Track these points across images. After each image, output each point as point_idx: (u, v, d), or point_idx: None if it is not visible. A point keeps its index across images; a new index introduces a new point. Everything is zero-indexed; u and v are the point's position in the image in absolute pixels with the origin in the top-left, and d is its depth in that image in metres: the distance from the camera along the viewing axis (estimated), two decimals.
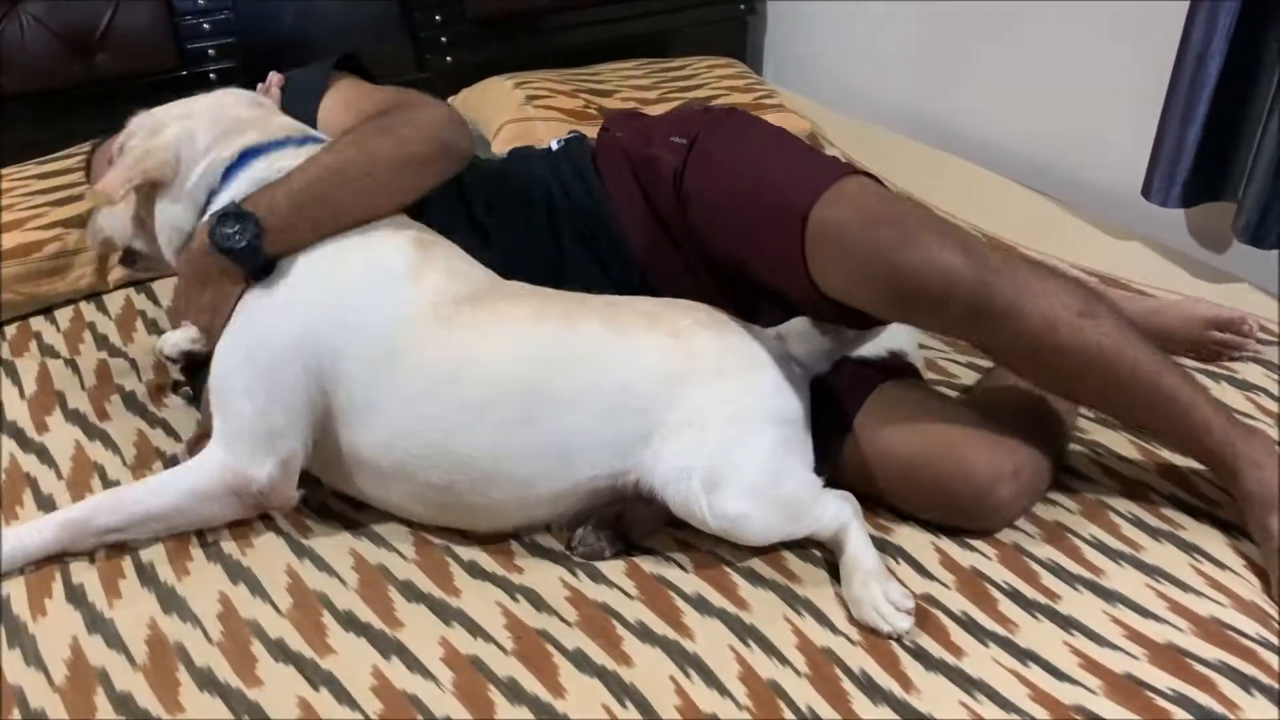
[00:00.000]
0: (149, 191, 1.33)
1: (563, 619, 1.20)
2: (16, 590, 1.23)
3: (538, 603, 1.23)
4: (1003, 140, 2.39)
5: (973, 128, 2.45)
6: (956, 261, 1.18)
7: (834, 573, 1.26)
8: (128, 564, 1.27)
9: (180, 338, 1.30)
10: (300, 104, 1.45)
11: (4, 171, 1.98)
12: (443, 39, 2.51)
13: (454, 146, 1.36)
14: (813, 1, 2.83)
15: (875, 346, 1.44)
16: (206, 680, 1.12)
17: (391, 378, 1.24)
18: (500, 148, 2.21)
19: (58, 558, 1.27)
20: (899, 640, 1.16)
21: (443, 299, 1.26)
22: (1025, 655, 1.15)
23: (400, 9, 2.46)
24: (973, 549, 1.29)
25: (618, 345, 1.27)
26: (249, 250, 1.23)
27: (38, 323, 1.83)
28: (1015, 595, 1.23)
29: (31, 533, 1.25)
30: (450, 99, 2.49)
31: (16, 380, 1.66)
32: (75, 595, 1.22)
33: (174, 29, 2.20)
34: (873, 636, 1.17)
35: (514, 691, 1.11)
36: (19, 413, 1.57)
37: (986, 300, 1.19)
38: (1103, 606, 1.21)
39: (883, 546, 1.28)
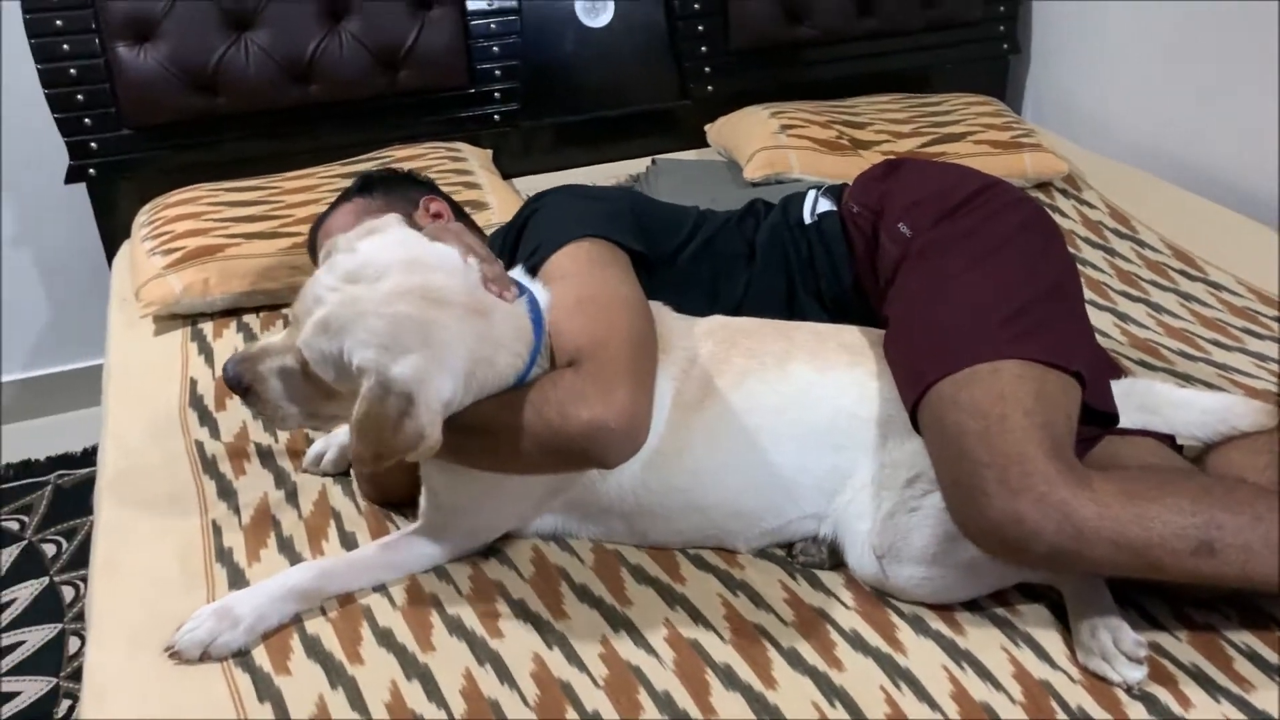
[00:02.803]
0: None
1: (780, 618, 1.26)
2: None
3: (757, 600, 1.29)
4: (1266, 188, 2.26)
5: (1235, 175, 2.33)
6: (1044, 527, 1.10)
7: (1056, 609, 1.25)
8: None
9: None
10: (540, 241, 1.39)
11: (315, 170, 2.24)
12: (706, 68, 2.63)
13: (596, 458, 1.19)
14: (1077, 43, 2.77)
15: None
16: (455, 625, 1.25)
17: (653, 469, 1.30)
18: (752, 174, 2.29)
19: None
20: (1127, 690, 1.14)
21: (686, 402, 1.32)
22: (1264, 719, 1.10)
23: (669, 39, 2.60)
24: (1211, 607, 1.24)
25: (822, 384, 1.33)
26: None
27: None
28: (1254, 657, 1.18)
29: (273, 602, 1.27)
30: (707, 126, 2.61)
31: None
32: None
33: (467, 50, 2.42)
34: (1095, 678, 1.16)
35: (729, 677, 1.18)
36: None
37: (1074, 554, 1.11)
38: None
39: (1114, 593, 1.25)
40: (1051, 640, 1.21)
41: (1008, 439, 1.14)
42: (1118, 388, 1.37)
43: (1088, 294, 1.97)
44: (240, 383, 1.20)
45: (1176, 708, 1.12)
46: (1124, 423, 1.33)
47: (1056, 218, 2.28)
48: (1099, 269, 2.08)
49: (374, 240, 1.20)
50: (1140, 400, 1.37)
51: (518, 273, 1.35)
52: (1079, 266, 2.06)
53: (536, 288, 1.31)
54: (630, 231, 1.42)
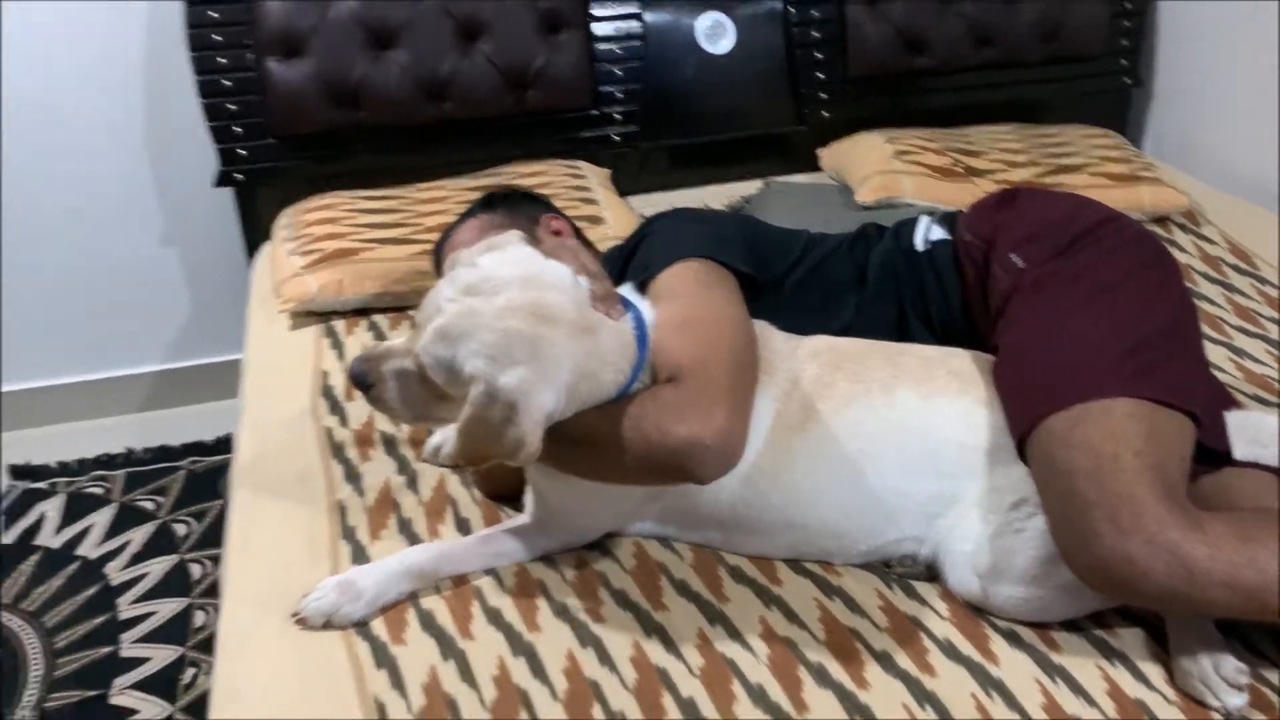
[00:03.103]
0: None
1: (874, 623, 1.29)
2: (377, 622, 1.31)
3: (851, 605, 1.32)
4: None
5: None
6: (1154, 568, 1.10)
7: (1154, 631, 1.25)
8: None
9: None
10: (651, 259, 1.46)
11: (444, 182, 2.36)
12: (822, 95, 2.67)
13: (690, 474, 1.23)
14: (1202, 77, 2.73)
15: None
16: (560, 610, 1.31)
17: (750, 485, 1.35)
18: (864, 197, 2.32)
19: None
20: (1227, 716, 1.14)
21: (786, 423, 1.36)
22: None
23: (787, 66, 2.66)
24: None
25: (927, 412, 1.35)
26: None
27: None
28: None
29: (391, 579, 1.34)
30: (820, 150, 2.65)
31: None
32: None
33: (591, 73, 2.52)
34: (1193, 701, 1.16)
35: (821, 675, 1.21)
36: None
37: (1185, 596, 1.11)
38: None
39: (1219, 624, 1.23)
40: (1148, 662, 1.22)
41: (1119, 479, 1.15)
42: (1229, 420, 1.36)
43: (1204, 329, 1.95)
44: (363, 381, 1.29)
45: None
46: (1234, 456, 1.33)
47: (1174, 252, 2.23)
48: (1215, 304, 2.05)
49: (494, 256, 1.28)
50: (1251, 434, 1.36)
51: (627, 290, 1.41)
52: (1195, 301, 2.05)
53: (644, 305, 1.37)
54: (739, 254, 1.47)
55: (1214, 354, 1.86)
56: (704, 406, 1.22)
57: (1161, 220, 2.38)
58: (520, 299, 1.21)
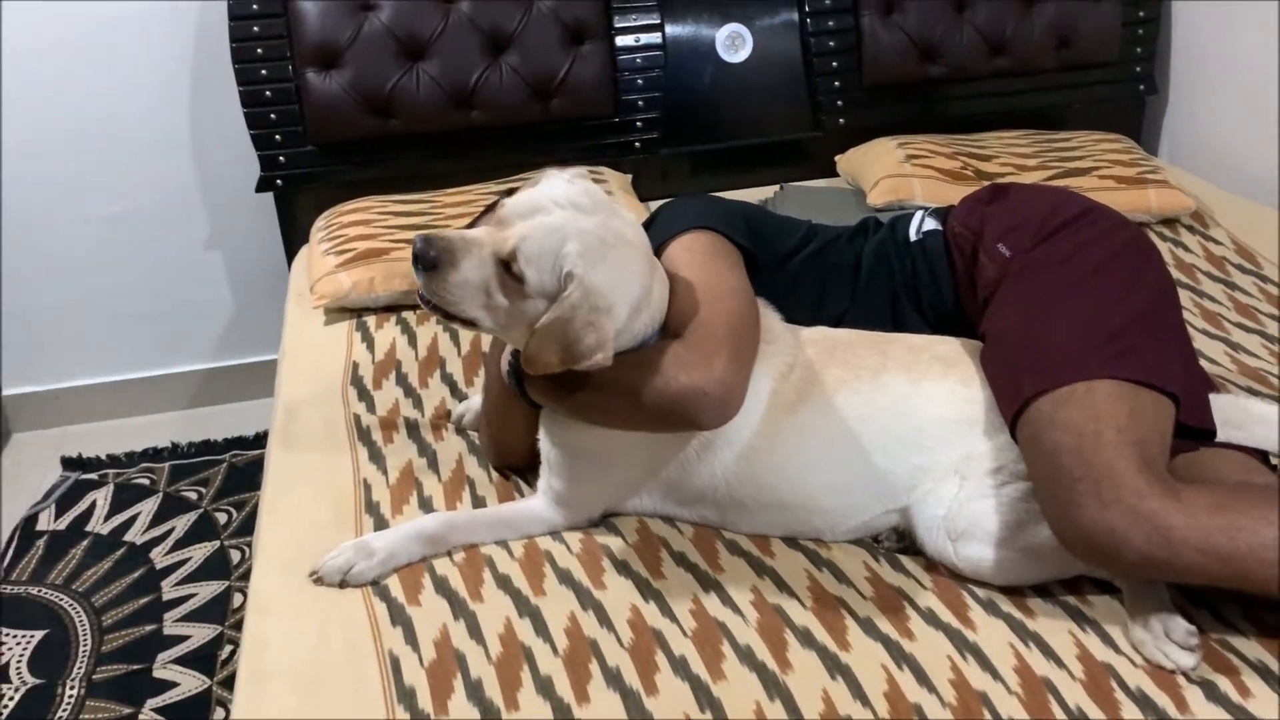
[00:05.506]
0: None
1: (859, 592, 1.36)
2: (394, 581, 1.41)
3: (840, 576, 1.39)
4: None
5: None
6: (1134, 536, 1.17)
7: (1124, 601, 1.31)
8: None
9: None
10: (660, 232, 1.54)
11: (471, 187, 2.47)
12: (838, 102, 2.75)
13: (690, 420, 1.34)
14: (1217, 84, 2.77)
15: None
16: (564, 576, 1.40)
17: (745, 461, 1.44)
18: (875, 200, 2.40)
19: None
20: (1186, 676, 1.20)
21: (781, 403, 1.44)
22: None
23: (804, 73, 2.74)
24: None
25: (914, 395, 1.43)
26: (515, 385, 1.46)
27: None
28: None
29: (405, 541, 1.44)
30: (837, 157, 2.72)
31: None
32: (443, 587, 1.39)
33: (614, 82, 2.62)
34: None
35: (806, 638, 1.29)
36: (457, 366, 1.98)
37: (1164, 562, 1.17)
38: None
39: (1188, 594, 1.30)
40: (1119, 629, 1.28)
41: (1100, 454, 1.22)
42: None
43: (1203, 325, 2.01)
44: (429, 259, 1.31)
45: (1235, 695, 1.17)
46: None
47: (1180, 253, 2.31)
48: (1217, 301, 2.10)
49: (585, 183, 1.41)
50: (1226, 415, 1.42)
51: None
52: (1197, 299, 2.11)
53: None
54: (741, 231, 1.56)
55: (1211, 349, 1.92)
56: (705, 357, 1.32)
57: (1170, 222, 2.43)
58: (612, 223, 1.35)
